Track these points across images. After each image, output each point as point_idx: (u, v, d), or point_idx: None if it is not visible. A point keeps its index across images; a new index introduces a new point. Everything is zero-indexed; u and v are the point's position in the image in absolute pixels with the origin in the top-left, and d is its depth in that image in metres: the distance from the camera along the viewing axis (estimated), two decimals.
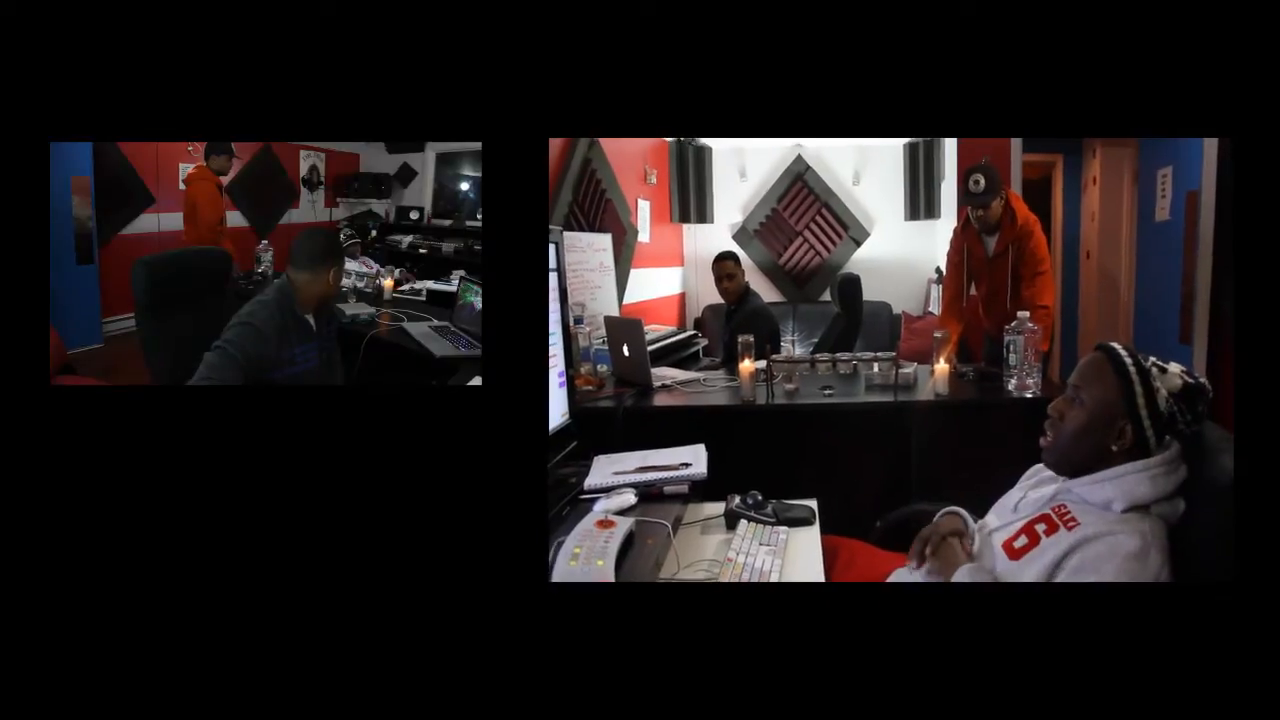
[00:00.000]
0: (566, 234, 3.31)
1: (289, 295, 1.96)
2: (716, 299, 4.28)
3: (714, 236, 5.35)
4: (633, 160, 4.44)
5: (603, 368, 2.72)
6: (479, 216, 5.46)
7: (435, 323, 2.97)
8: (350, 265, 3.67)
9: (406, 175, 6.52)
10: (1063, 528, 1.19)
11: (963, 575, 1.24)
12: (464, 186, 6.12)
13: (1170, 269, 3.72)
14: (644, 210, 4.57)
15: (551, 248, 1.71)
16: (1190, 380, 1.21)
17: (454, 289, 3.19)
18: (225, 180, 4.43)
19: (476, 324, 2.73)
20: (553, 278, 1.72)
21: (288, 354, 1.94)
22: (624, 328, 2.67)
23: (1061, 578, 1.15)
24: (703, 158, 5.29)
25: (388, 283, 3.56)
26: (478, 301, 2.79)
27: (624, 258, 4.12)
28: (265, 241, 4.03)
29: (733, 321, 3.58)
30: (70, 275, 4.33)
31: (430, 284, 3.67)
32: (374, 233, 5.95)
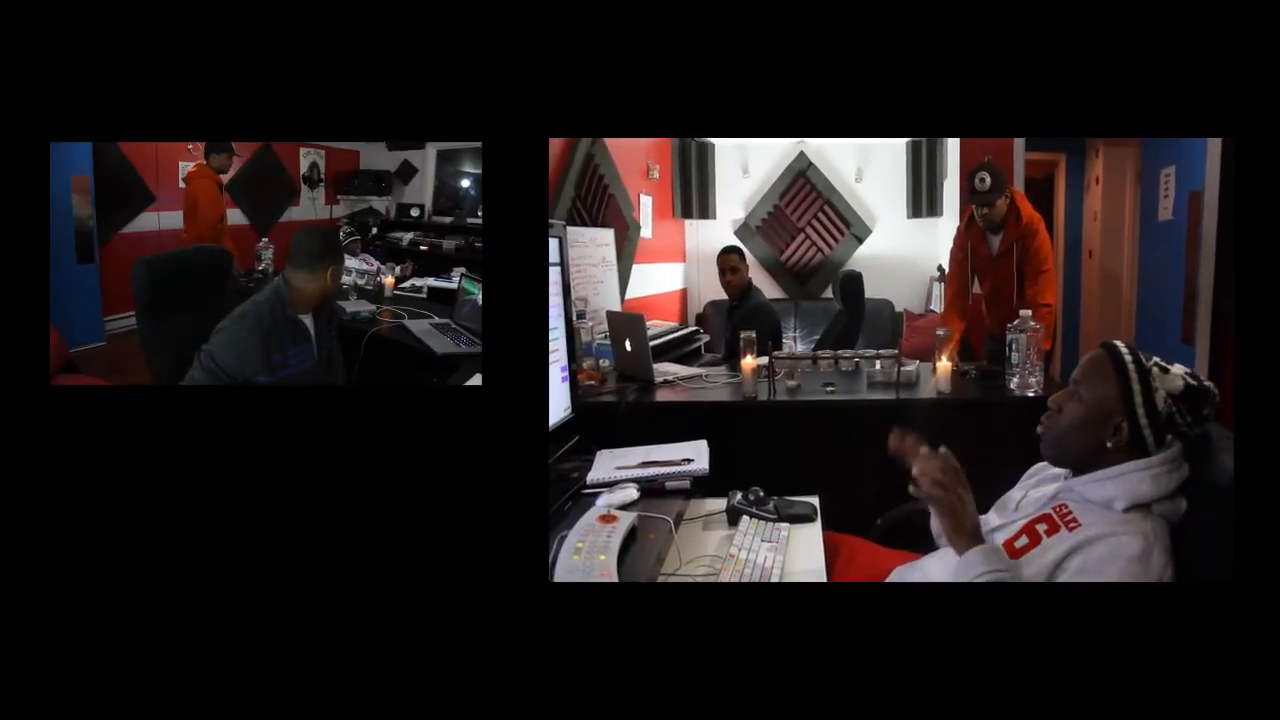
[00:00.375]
0: (569, 229, 3.31)
1: (283, 296, 1.95)
2: (718, 295, 4.28)
3: (716, 232, 5.36)
4: (635, 155, 4.44)
5: (605, 363, 2.72)
6: (480, 213, 5.45)
7: (436, 320, 2.97)
8: (351, 263, 3.68)
9: (407, 172, 6.53)
10: (1064, 528, 1.19)
11: (976, 558, 1.15)
12: (465, 183, 6.12)
13: (1173, 269, 3.72)
14: (646, 205, 4.57)
15: (555, 242, 1.71)
16: (1194, 383, 1.20)
17: (455, 286, 3.19)
18: (225, 178, 4.42)
19: (477, 321, 2.73)
20: (556, 272, 1.72)
21: (279, 357, 1.92)
22: (626, 323, 2.67)
23: (1063, 579, 1.15)
24: (705, 154, 5.29)
25: (388, 280, 3.56)
26: (479, 298, 2.79)
27: (626, 253, 4.12)
28: (266, 239, 4.03)
29: (735, 317, 3.59)
30: (71, 274, 4.33)
31: (431, 281, 3.67)
32: (375, 230, 5.94)
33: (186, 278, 2.32)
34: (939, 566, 1.29)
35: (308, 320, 2.03)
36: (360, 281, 3.60)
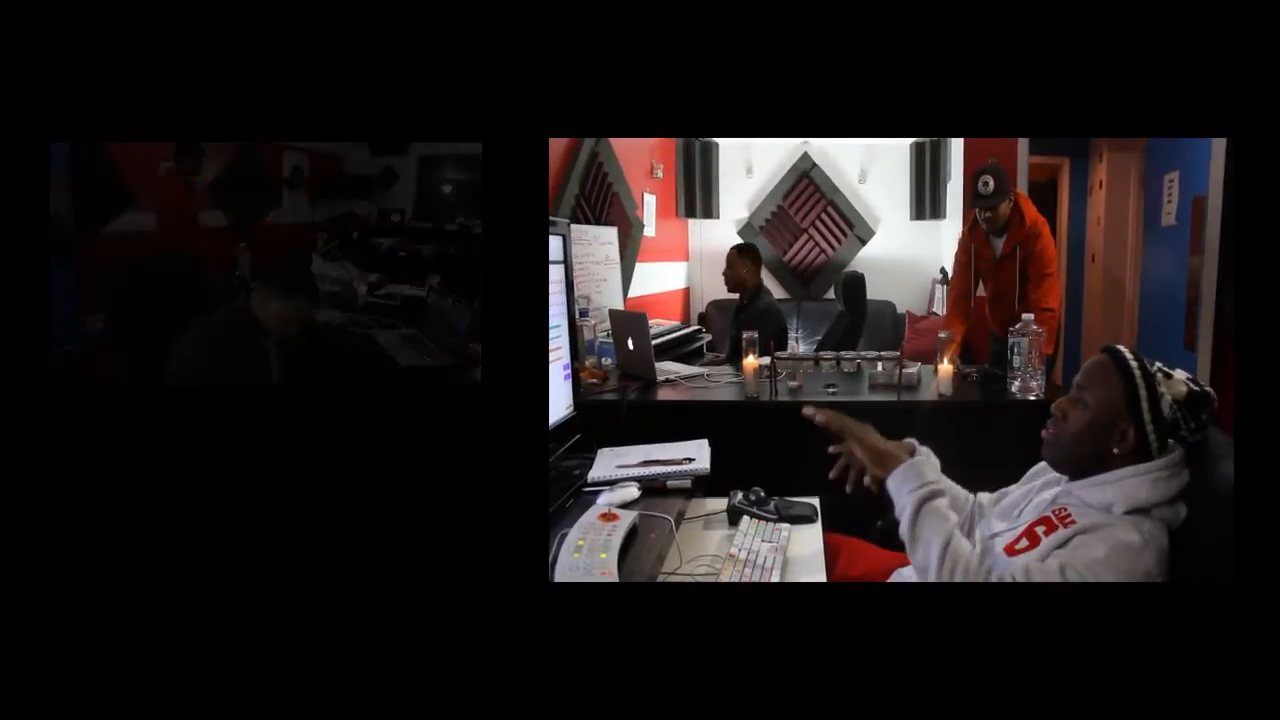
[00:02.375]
0: (573, 227, 3.31)
1: (239, 316, 1.90)
2: (721, 294, 4.28)
3: (719, 232, 5.35)
4: (639, 154, 4.43)
5: (607, 361, 2.73)
6: (458, 220, 5.49)
7: (404, 330, 2.95)
8: (328, 269, 3.65)
9: (389, 178, 6.49)
10: (1061, 527, 1.19)
11: (897, 480, 1.26)
12: (446, 189, 6.10)
13: (1176, 274, 3.72)
14: (650, 204, 4.56)
15: (559, 240, 1.71)
16: (1195, 388, 1.21)
17: (426, 295, 3.18)
18: (199, 180, 4.35)
19: (447, 332, 2.72)
20: (559, 270, 1.72)
21: (230, 374, 1.87)
22: (629, 321, 2.67)
23: (1054, 561, 1.14)
24: (709, 153, 5.28)
25: (362, 289, 3.54)
26: (453, 308, 2.77)
27: (629, 251, 4.11)
28: (243, 244, 3.98)
29: (742, 318, 3.59)
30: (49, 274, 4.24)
31: (405, 289, 3.66)
32: (355, 235, 5.89)
33: (155, 285, 2.28)
34: None
35: (268, 342, 1.98)
36: (335, 289, 3.58)
